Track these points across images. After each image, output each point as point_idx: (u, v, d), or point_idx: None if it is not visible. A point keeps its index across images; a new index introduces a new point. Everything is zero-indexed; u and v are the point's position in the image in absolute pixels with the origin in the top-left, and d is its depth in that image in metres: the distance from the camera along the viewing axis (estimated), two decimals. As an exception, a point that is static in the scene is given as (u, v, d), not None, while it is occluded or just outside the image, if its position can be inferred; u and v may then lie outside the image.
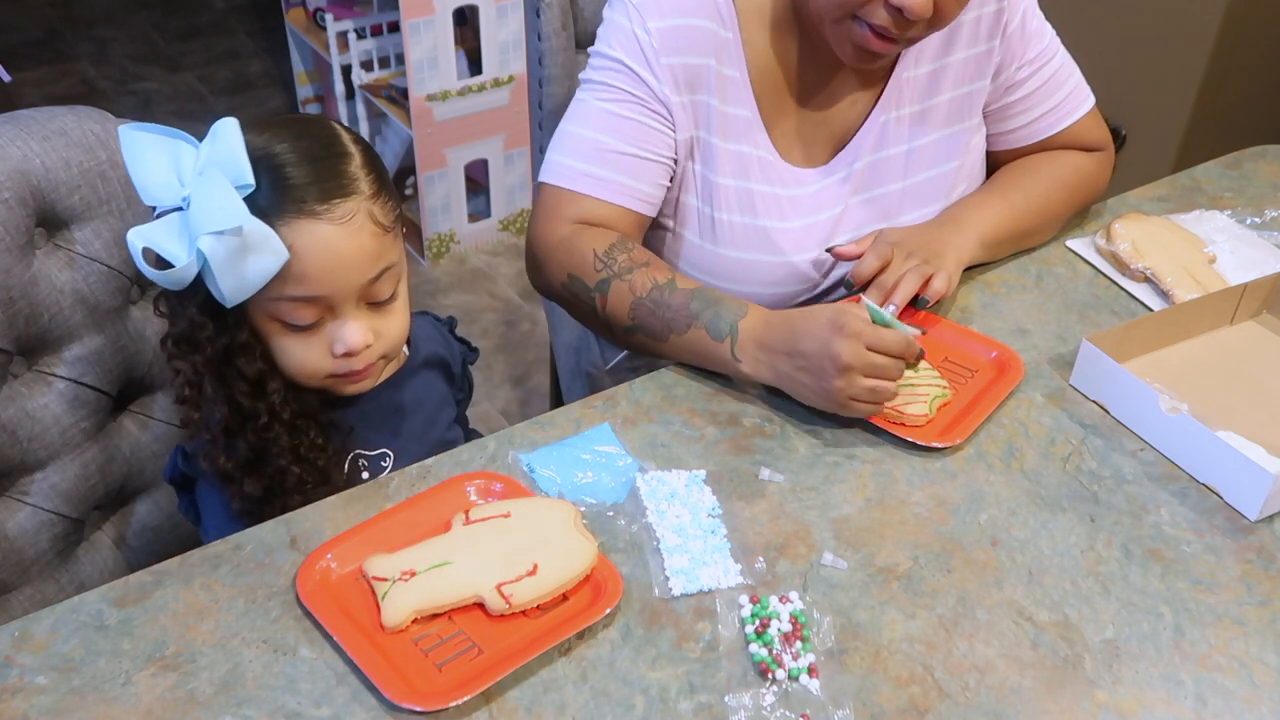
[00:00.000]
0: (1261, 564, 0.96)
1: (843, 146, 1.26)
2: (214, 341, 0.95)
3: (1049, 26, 1.29)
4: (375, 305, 0.99)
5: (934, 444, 1.04)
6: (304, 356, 0.98)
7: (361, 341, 0.97)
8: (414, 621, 0.87)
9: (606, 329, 1.18)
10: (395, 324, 1.01)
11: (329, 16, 2.76)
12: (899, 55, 1.23)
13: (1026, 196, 1.29)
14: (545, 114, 1.51)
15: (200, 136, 0.93)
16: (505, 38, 2.61)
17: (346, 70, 2.86)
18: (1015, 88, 1.28)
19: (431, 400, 1.13)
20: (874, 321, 1.04)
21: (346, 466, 1.06)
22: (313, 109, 3.26)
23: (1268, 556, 0.96)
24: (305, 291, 0.93)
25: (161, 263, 0.90)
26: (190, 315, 0.95)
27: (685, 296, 1.11)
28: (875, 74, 1.23)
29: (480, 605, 0.88)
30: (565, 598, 0.90)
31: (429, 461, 1.03)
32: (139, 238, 0.90)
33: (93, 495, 1.16)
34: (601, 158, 1.18)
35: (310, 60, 3.16)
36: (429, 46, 2.52)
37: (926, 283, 1.16)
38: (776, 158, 1.23)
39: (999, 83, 1.27)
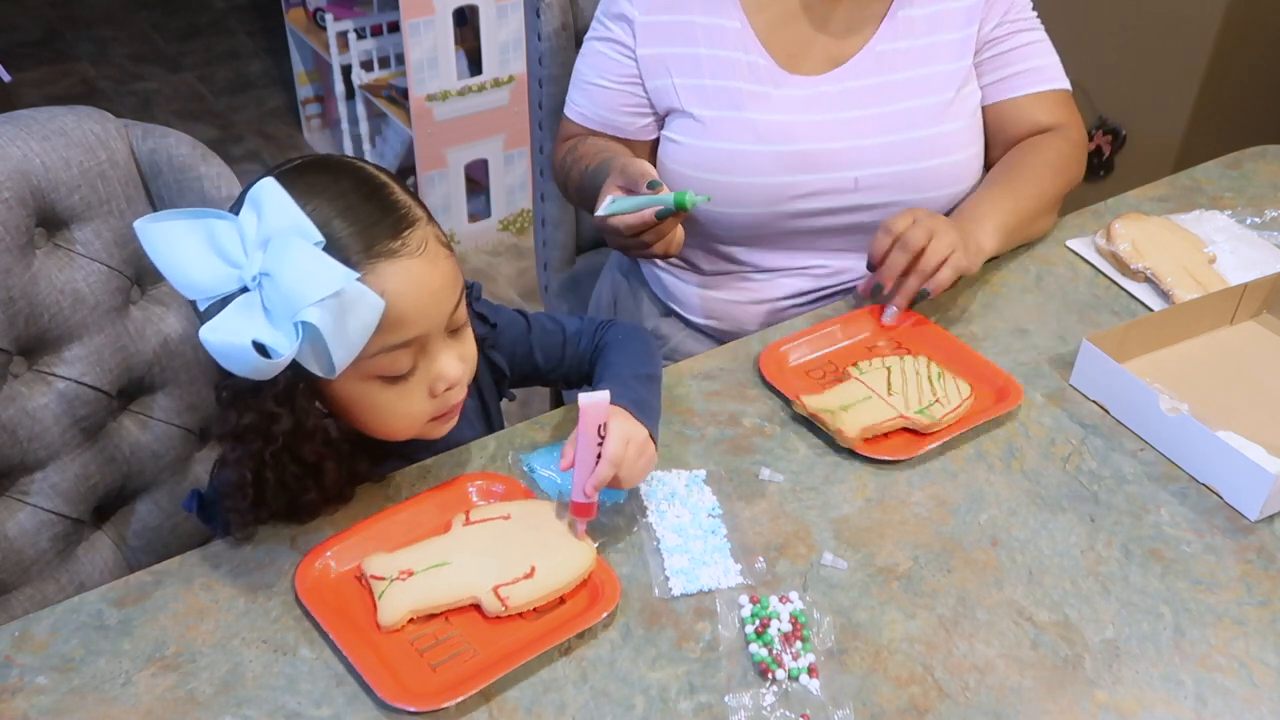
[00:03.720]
0: (1261, 564, 0.96)
1: (837, 66, 1.31)
2: (285, 432, 0.88)
3: (1036, 16, 1.35)
4: (454, 332, 0.94)
5: (878, 455, 1.04)
6: (405, 407, 0.92)
7: (459, 373, 0.93)
8: (410, 622, 0.87)
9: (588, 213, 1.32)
10: (471, 345, 0.97)
11: (329, 16, 2.76)
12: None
13: (1037, 185, 1.31)
14: (545, 114, 1.51)
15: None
16: (505, 38, 2.61)
17: (346, 70, 2.86)
18: (994, 43, 1.32)
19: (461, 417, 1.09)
20: (609, 208, 1.12)
21: None
22: (313, 109, 3.26)
23: (1268, 556, 0.96)
24: (404, 336, 0.88)
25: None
26: (265, 407, 0.87)
27: (590, 176, 1.27)
28: (871, 7, 1.30)
29: (477, 606, 0.88)
30: (562, 601, 0.90)
31: (429, 461, 1.03)
32: (220, 333, 0.80)
33: (93, 495, 1.16)
34: (581, 87, 1.36)
35: (310, 60, 3.16)
36: (429, 46, 2.52)
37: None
38: (770, 61, 1.29)
39: (982, 35, 1.31)
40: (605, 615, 0.88)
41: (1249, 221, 1.38)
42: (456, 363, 0.93)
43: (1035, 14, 1.35)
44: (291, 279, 0.80)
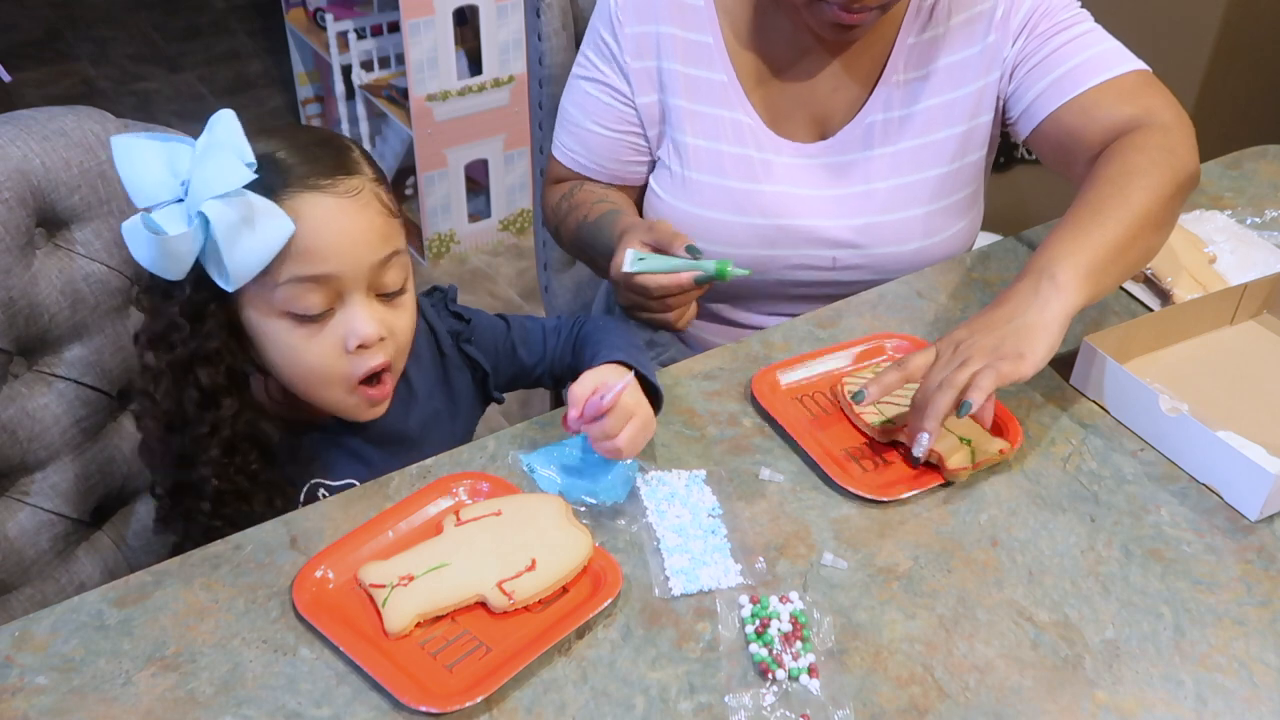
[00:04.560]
0: (1261, 564, 0.96)
1: (825, 132, 1.27)
2: (185, 344, 0.93)
3: (1082, 10, 1.22)
4: (385, 298, 0.96)
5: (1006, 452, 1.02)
6: (318, 356, 0.94)
7: (375, 332, 0.94)
8: (417, 626, 0.87)
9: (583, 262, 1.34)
10: (405, 321, 0.99)
11: (329, 16, 2.77)
12: (887, 60, 1.24)
13: (1107, 207, 1.05)
14: (545, 114, 1.51)
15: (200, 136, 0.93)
16: (505, 38, 2.61)
17: (346, 70, 2.86)
18: (1027, 59, 1.21)
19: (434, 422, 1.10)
20: (637, 265, 1.08)
21: (304, 495, 1.04)
22: (313, 109, 3.26)
23: (1268, 556, 0.96)
24: (314, 269, 0.91)
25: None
26: (171, 315, 0.93)
27: (591, 228, 1.24)
28: (859, 63, 1.24)
29: (483, 604, 0.88)
30: (565, 590, 0.90)
31: (429, 462, 1.03)
32: (131, 222, 0.88)
33: (93, 495, 1.16)
34: (572, 131, 1.32)
35: (310, 60, 3.16)
36: (429, 46, 2.52)
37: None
38: (758, 121, 1.26)
39: (1006, 65, 1.23)
40: (610, 601, 0.88)
41: (1249, 221, 1.38)
42: (372, 322, 0.94)
43: (1077, 9, 1.22)
44: (200, 176, 0.87)
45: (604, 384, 0.94)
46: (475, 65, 2.65)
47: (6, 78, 2.75)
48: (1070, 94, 1.18)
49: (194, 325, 0.93)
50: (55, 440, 1.11)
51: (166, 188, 0.89)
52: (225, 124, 0.90)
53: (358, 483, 1.03)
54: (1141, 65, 1.20)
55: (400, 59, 2.79)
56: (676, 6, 1.24)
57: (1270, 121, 2.22)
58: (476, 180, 2.88)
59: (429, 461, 1.03)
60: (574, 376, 0.98)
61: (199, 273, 0.91)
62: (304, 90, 3.22)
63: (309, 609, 0.87)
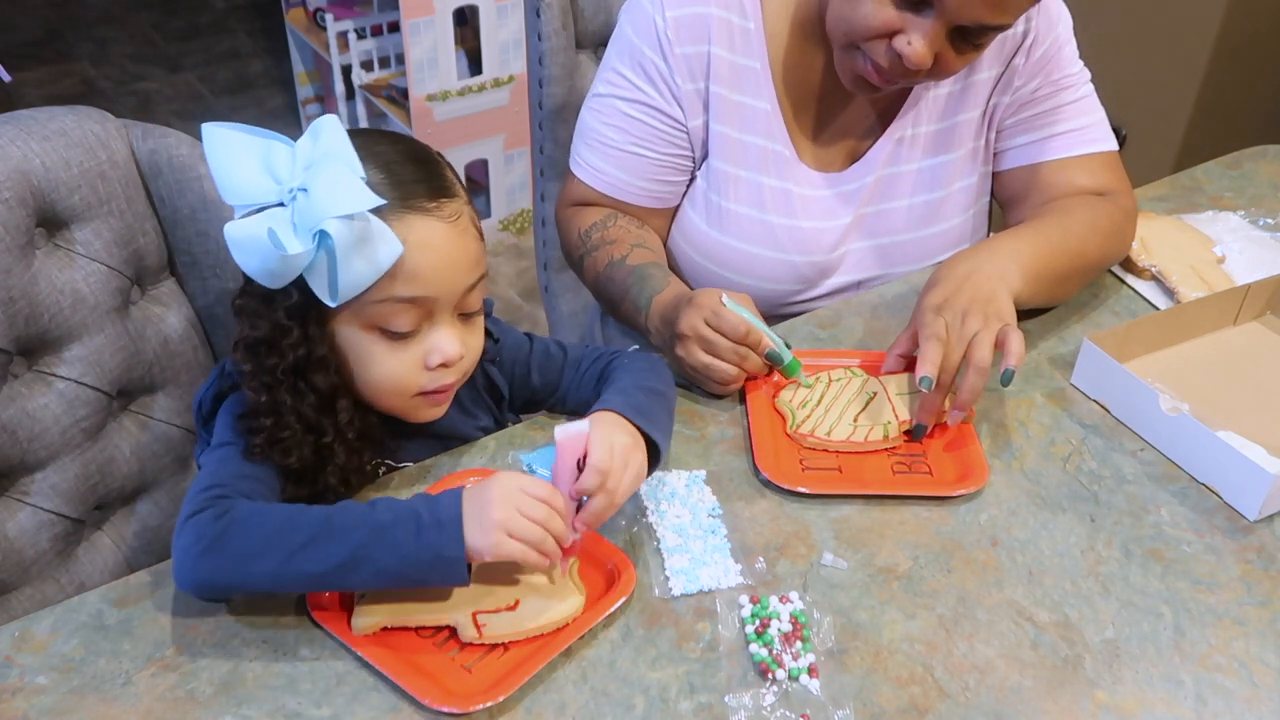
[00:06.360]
0: (1261, 564, 0.96)
1: (856, 158, 1.26)
2: (295, 349, 0.90)
3: (1084, 69, 1.26)
4: (464, 317, 0.96)
5: (958, 491, 1.01)
6: (397, 369, 0.93)
7: (457, 353, 0.94)
8: (436, 629, 0.87)
9: (599, 299, 1.28)
10: (478, 339, 0.99)
11: (329, 16, 2.77)
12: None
13: (1064, 234, 1.18)
14: (545, 114, 1.51)
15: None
16: (505, 38, 2.61)
17: (346, 70, 2.86)
18: (1034, 103, 1.24)
19: (469, 424, 1.09)
20: (731, 305, 1.05)
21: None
22: (313, 109, 3.26)
23: (1268, 556, 0.96)
24: (414, 291, 0.90)
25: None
26: (276, 319, 0.89)
27: (626, 272, 1.18)
28: (894, 91, 1.22)
29: (452, 630, 0.87)
30: (541, 637, 0.87)
31: (429, 461, 1.03)
32: (242, 228, 0.85)
33: (93, 495, 1.16)
34: (606, 153, 1.25)
35: (310, 60, 3.16)
36: (429, 46, 2.52)
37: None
38: (793, 154, 1.24)
39: (1017, 97, 1.24)
40: (623, 600, 0.88)
41: (1261, 223, 1.38)
42: (456, 342, 0.94)
43: (1081, 67, 1.26)
44: (322, 191, 0.84)
45: (570, 437, 0.89)
46: (475, 65, 2.65)
47: (6, 78, 2.75)
48: (1054, 155, 1.25)
49: (300, 328, 0.90)
50: (55, 440, 1.11)
51: (262, 189, 0.87)
52: (330, 133, 0.87)
53: (411, 465, 1.04)
54: (1114, 145, 1.28)
55: (400, 59, 2.79)
56: (728, 28, 1.19)
57: (1270, 121, 2.22)
58: (476, 180, 2.88)
59: (429, 461, 1.03)
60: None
61: (300, 280, 0.88)
62: (304, 90, 3.22)
63: (323, 613, 0.87)
